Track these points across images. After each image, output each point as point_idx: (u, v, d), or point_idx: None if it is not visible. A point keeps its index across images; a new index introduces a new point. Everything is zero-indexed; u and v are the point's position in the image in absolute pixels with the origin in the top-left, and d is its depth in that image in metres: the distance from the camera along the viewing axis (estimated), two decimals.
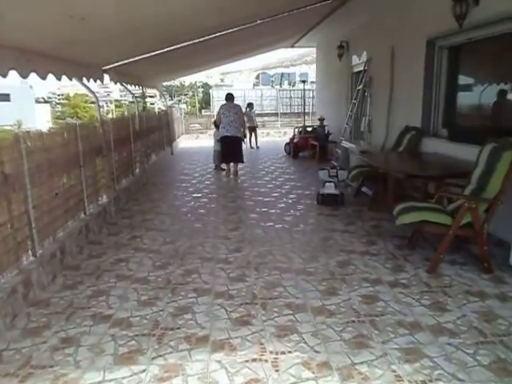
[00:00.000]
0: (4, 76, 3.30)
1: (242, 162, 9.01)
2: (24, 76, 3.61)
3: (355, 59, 9.44)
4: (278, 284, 3.69)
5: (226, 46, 9.24)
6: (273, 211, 6.09)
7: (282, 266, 4.09)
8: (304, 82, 12.98)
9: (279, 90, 45.99)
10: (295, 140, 11.39)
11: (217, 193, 7.44)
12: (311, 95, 41.86)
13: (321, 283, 3.69)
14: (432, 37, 5.93)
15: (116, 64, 6.58)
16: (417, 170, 5.13)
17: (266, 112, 33.89)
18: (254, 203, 6.59)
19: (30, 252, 3.64)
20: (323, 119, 10.47)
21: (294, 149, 11.30)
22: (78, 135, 4.81)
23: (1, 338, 2.88)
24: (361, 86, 8.45)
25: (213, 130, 10.68)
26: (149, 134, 9.33)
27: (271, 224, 5.46)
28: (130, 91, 8.10)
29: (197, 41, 6.98)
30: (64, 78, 4.68)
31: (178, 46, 6.86)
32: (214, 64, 14.20)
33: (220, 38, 7.24)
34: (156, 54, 7.00)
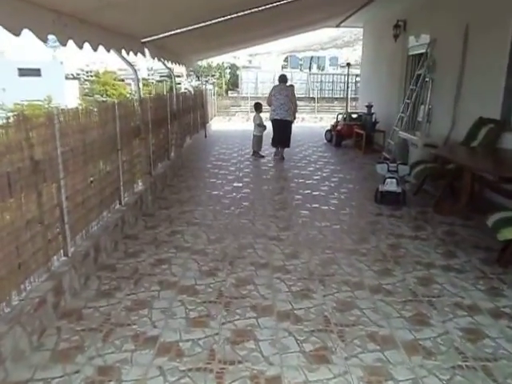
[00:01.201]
0: (44, 41, 2.74)
1: (288, 146, 8.74)
2: (63, 43, 3.04)
3: (412, 40, 8.54)
4: (353, 305, 3.05)
5: (272, 23, 8.49)
6: (325, 208, 5.42)
7: (351, 279, 3.45)
8: (349, 65, 12.06)
9: (310, 74, 44.73)
10: (338, 127, 10.60)
11: (259, 183, 6.80)
12: (343, 80, 40.45)
13: (404, 307, 3.03)
14: None
15: (155, 37, 5.97)
16: None
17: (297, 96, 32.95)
18: (302, 197, 5.93)
19: (61, 251, 3.10)
20: (371, 106, 9.63)
21: (337, 137, 10.52)
22: (116, 115, 4.23)
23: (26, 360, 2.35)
24: (421, 71, 7.59)
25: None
26: (185, 114, 8.73)
27: (327, 224, 4.80)
28: (169, 68, 7.47)
29: (242, 13, 6.31)
30: (101, 48, 4.08)
31: (221, 19, 6.21)
32: (255, 42, 13.39)
33: (267, 12, 6.53)
34: (196, 28, 6.36)
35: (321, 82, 40.45)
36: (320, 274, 3.54)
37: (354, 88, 42.81)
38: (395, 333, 2.71)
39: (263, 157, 8.94)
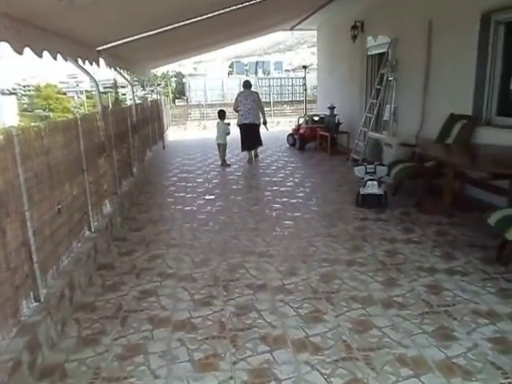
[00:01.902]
0: None
1: (261, 144, 9.07)
2: (19, 51, 2.58)
3: (371, 41, 8.56)
4: (369, 324, 2.80)
5: (230, 27, 8.22)
6: (308, 216, 5.18)
7: (359, 294, 3.21)
8: (305, 67, 12.03)
9: (259, 79, 44.79)
10: (301, 131, 10.47)
11: (232, 194, 6.45)
12: (290, 83, 40.83)
13: (423, 321, 2.82)
14: (487, 10, 5.11)
15: (110, 45, 5.51)
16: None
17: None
18: (280, 206, 5.66)
19: (31, 296, 2.62)
20: (333, 107, 9.57)
21: (301, 140, 10.38)
22: (79, 131, 3.76)
23: None
24: (384, 71, 7.59)
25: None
26: (144, 126, 8.24)
27: (315, 234, 4.55)
28: (124, 77, 6.98)
29: (199, 18, 6.00)
30: (59, 58, 3.62)
31: (175, 25, 5.88)
32: (209, 48, 13.03)
33: (225, 17, 6.27)
34: (151, 35, 5.98)
35: (269, 86, 40.74)
36: (325, 292, 3.26)
37: (301, 91, 43.37)
38: (424, 353, 2.48)
39: (229, 165, 8.65)
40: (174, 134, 15.76)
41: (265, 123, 8.94)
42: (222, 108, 10.08)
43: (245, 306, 3.10)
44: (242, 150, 8.97)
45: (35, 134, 2.76)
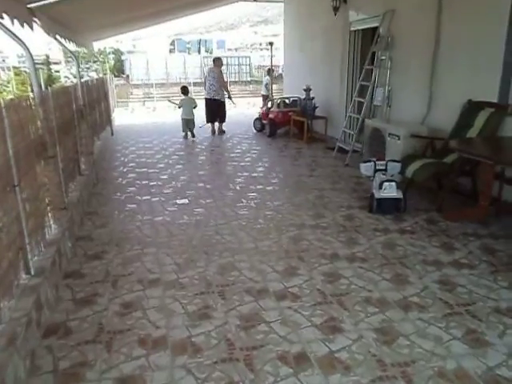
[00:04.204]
0: None
1: (223, 121, 9.83)
2: None
3: (352, 15, 7.56)
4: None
5: None
6: (319, 232, 4.13)
7: (435, 362, 2.22)
8: (271, 44, 10.82)
9: (204, 57, 42.88)
10: (271, 115, 9.34)
11: (210, 195, 5.25)
12: (237, 62, 39.51)
13: None
14: None
15: (46, 1, 4.05)
16: None
17: (190, 81, 30.90)
18: (274, 212, 4.57)
19: None
20: (309, 89, 8.52)
21: (271, 126, 9.25)
22: (5, 126, 2.40)
23: None
24: (376, 48, 6.63)
25: None
26: (91, 110, 6.73)
27: (339, 260, 3.52)
28: (66, 47, 5.43)
29: None
30: None
31: None
32: (155, 19, 11.42)
33: None
34: None
35: None
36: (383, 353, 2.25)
37: (247, 71, 42.07)
38: None
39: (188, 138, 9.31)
40: (120, 117, 13.99)
41: (229, 98, 9.89)
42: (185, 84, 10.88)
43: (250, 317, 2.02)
44: (206, 122, 9.77)
45: None
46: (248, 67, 40.50)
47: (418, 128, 5.39)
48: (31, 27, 3.71)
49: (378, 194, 4.41)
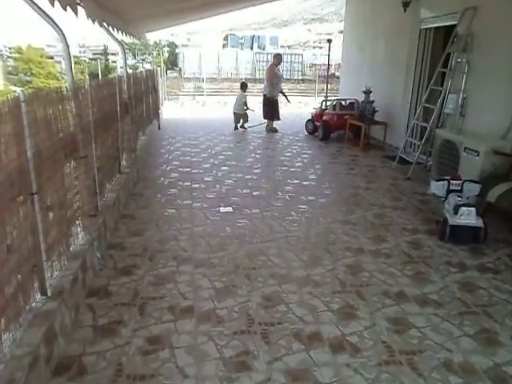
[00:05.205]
0: None
1: (272, 119, 9.65)
2: None
3: (425, 11, 6.80)
4: None
5: None
6: (381, 261, 3.54)
7: None
8: (330, 41, 10.18)
9: (256, 53, 42.50)
10: (325, 117, 8.72)
11: (255, 204, 4.77)
12: (288, 60, 38.78)
13: None
14: None
15: None
16: None
17: (242, 77, 30.58)
18: (332, 235, 4.02)
19: None
20: (370, 91, 7.83)
21: (325, 128, 8.64)
22: (23, 122, 2.02)
23: None
24: (452, 49, 5.87)
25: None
26: (137, 104, 6.43)
27: (406, 301, 2.93)
28: (113, 36, 5.12)
29: None
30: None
31: None
32: (210, 11, 11.06)
33: None
34: None
35: (266, 61, 38.36)
36: None
37: (299, 69, 41.31)
38: None
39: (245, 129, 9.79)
40: (169, 110, 13.83)
41: (283, 94, 9.91)
42: (243, 81, 10.82)
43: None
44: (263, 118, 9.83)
45: None
46: (300, 65, 39.79)
47: (500, 143, 4.63)
48: (75, 11, 3.36)
49: (453, 220, 3.74)
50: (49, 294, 2.32)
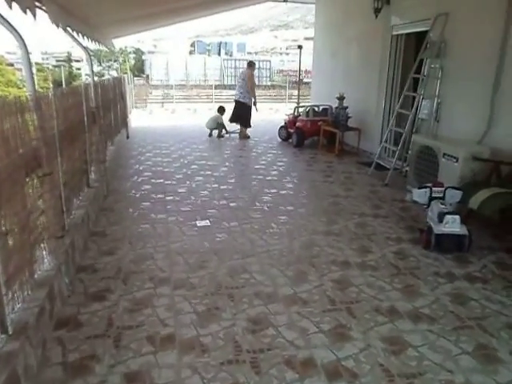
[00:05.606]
0: None
1: (245, 126, 9.66)
2: None
3: (396, 18, 6.83)
4: None
5: None
6: (373, 262, 3.42)
7: None
8: (300, 47, 10.14)
9: (224, 60, 42.36)
10: (299, 123, 8.63)
11: (232, 216, 4.57)
12: (257, 66, 39.03)
13: None
14: None
15: None
16: None
17: (211, 83, 30.35)
18: (316, 248, 3.87)
19: None
20: (343, 98, 7.81)
21: (298, 135, 8.55)
22: None
23: None
24: (425, 55, 5.89)
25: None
26: (105, 112, 6.11)
27: (399, 317, 2.80)
28: (78, 41, 4.81)
29: None
30: None
31: None
32: (179, 16, 10.83)
33: None
34: None
35: (234, 68, 38.27)
36: None
37: (267, 75, 41.50)
38: None
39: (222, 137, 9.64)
40: (137, 118, 13.45)
41: (254, 103, 9.63)
42: (221, 105, 10.59)
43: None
44: (230, 121, 9.74)
45: None
46: (268, 71, 39.97)
47: (478, 149, 4.62)
48: (34, 14, 3.09)
49: (438, 229, 3.67)
50: (10, 332, 2.05)
